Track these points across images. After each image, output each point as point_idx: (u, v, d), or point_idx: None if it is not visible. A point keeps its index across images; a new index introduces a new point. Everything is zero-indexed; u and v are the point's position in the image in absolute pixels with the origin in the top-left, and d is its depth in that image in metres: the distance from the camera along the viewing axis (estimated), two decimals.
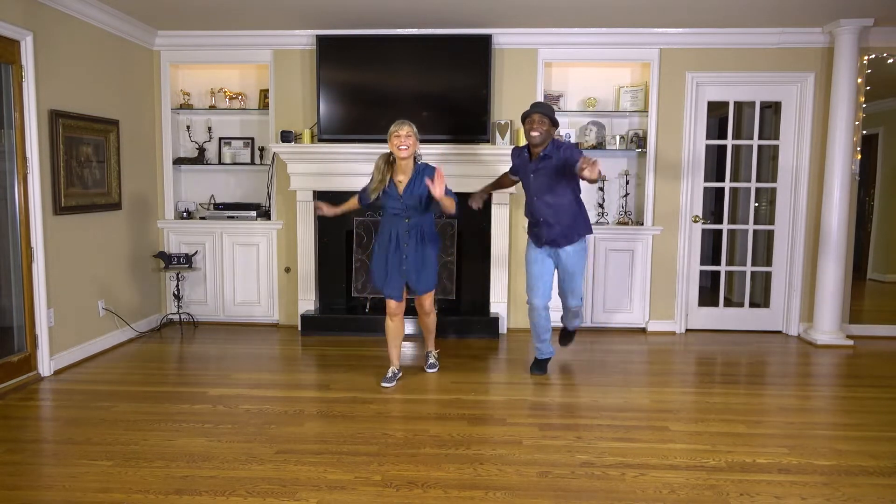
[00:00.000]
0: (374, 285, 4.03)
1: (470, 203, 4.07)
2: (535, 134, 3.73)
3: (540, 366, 4.17)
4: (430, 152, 4.99)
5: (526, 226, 4.07)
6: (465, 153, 5.01)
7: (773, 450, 3.00)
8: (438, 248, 3.91)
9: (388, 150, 3.72)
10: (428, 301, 3.96)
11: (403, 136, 3.62)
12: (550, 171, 3.76)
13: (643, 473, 2.75)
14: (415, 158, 3.75)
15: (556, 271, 3.98)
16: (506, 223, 5.17)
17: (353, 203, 3.96)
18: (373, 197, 3.76)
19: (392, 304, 3.86)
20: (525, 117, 3.82)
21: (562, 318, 4.26)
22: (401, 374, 4.02)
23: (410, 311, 5.22)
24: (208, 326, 5.37)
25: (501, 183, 4.25)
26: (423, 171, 3.70)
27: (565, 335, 4.36)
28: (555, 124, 3.80)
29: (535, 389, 3.88)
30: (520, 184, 4.11)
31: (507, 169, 4.20)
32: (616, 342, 4.98)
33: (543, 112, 3.77)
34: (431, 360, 4.22)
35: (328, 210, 3.89)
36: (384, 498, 2.52)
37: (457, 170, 5.04)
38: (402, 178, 3.72)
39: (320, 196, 5.28)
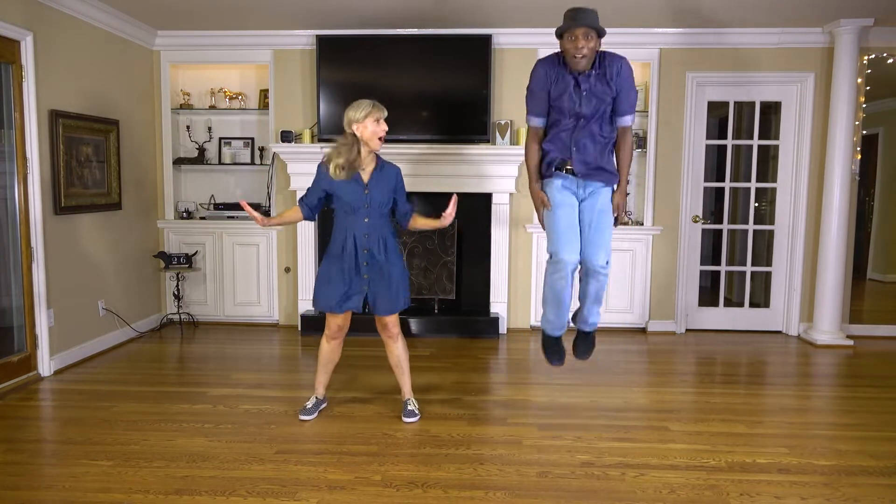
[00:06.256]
0: (318, 304, 3.20)
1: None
2: (580, 57, 2.80)
3: (557, 351, 3.20)
4: (430, 152, 5.00)
5: (539, 163, 3.05)
6: (464, 153, 5.01)
7: (773, 450, 3.00)
8: (403, 259, 3.34)
9: (350, 132, 3.06)
10: (392, 321, 3.26)
11: (385, 124, 3.10)
12: (604, 92, 2.89)
13: (643, 473, 2.75)
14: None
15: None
16: (506, 223, 5.17)
17: (293, 214, 3.23)
18: (341, 176, 3.04)
19: (335, 324, 3.23)
20: (563, 32, 2.82)
21: (574, 316, 3.25)
22: (325, 405, 3.46)
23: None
24: (208, 326, 5.37)
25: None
26: (388, 168, 3.20)
27: (583, 340, 3.25)
28: (601, 35, 2.83)
29: (535, 389, 3.88)
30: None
31: (533, 123, 3.03)
32: (616, 342, 4.98)
33: (589, 24, 2.78)
34: (410, 407, 3.35)
35: (262, 221, 3.13)
36: (384, 498, 2.53)
37: (456, 170, 5.05)
38: (367, 168, 3.13)
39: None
